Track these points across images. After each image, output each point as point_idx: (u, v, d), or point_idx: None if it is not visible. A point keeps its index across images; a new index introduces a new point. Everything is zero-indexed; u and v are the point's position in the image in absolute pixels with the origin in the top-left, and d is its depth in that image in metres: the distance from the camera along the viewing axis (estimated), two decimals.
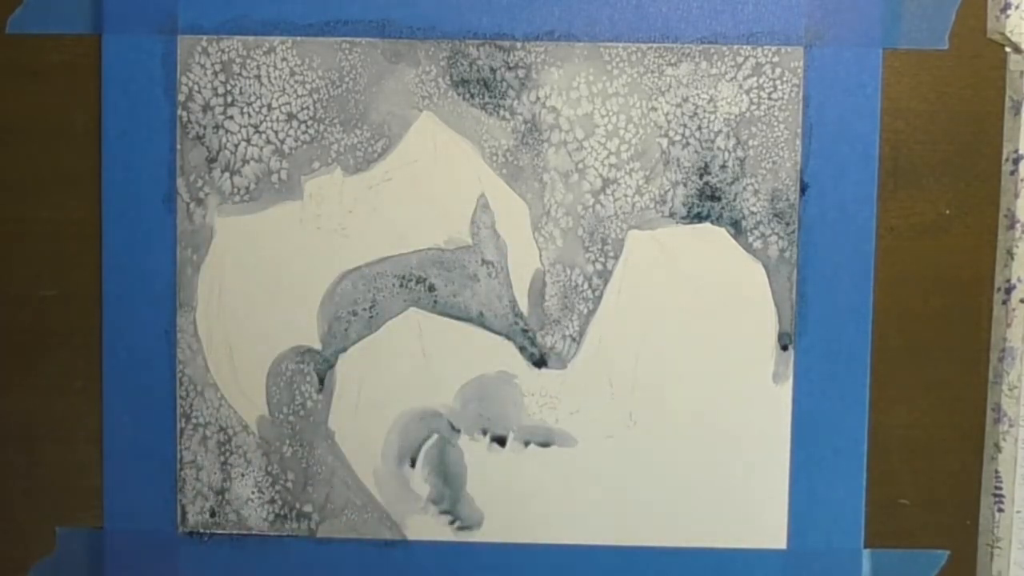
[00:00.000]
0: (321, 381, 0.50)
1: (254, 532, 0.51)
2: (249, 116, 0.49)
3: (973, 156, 0.49)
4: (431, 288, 0.50)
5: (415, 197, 0.49)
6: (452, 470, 0.50)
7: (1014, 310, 0.49)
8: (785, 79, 0.48)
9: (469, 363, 0.50)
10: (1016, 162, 0.48)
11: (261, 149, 0.49)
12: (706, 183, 0.49)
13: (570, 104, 0.49)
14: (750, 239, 0.49)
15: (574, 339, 0.50)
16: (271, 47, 0.49)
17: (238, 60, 0.49)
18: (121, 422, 0.50)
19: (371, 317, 0.50)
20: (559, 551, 0.50)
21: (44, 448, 0.51)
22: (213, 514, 0.51)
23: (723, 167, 0.49)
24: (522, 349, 0.50)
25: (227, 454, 0.50)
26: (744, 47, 0.48)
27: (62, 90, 0.49)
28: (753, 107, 0.49)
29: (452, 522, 0.50)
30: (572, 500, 0.50)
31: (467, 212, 0.49)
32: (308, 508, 0.51)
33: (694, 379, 0.50)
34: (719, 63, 0.49)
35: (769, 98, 0.49)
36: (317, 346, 0.50)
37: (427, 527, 0.50)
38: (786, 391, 0.49)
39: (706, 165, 0.49)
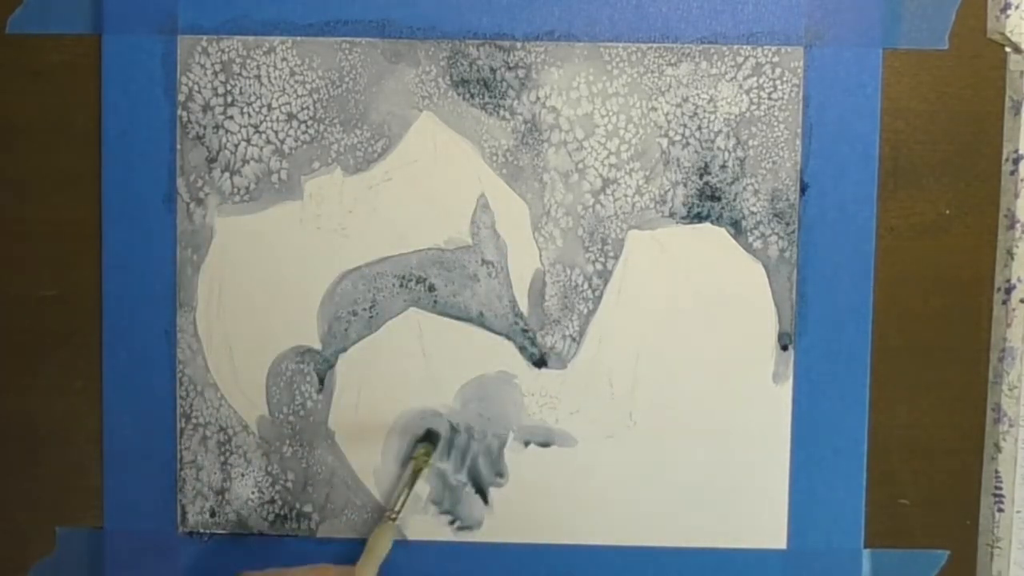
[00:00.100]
0: (321, 381, 0.50)
1: (254, 532, 0.51)
2: (249, 116, 0.49)
3: (973, 156, 0.49)
4: (431, 288, 0.50)
5: (415, 197, 0.49)
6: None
7: (1014, 310, 0.49)
8: (785, 79, 0.48)
9: (469, 363, 0.50)
10: (1016, 162, 0.48)
11: (261, 149, 0.49)
12: (706, 183, 0.49)
13: (570, 104, 0.49)
14: (750, 239, 0.49)
15: (574, 339, 0.50)
16: (271, 47, 0.49)
17: (238, 60, 0.49)
18: (121, 422, 0.50)
19: (371, 317, 0.50)
20: (559, 551, 0.50)
21: (44, 448, 0.51)
22: (213, 514, 0.51)
23: (723, 167, 0.49)
24: (522, 349, 0.50)
25: (227, 454, 0.50)
26: (744, 47, 0.48)
27: (62, 90, 0.49)
28: (753, 107, 0.49)
29: (452, 522, 0.50)
30: (572, 500, 0.50)
31: (467, 212, 0.49)
32: (308, 508, 0.51)
33: (694, 379, 0.50)
34: (719, 63, 0.49)
35: (769, 98, 0.49)
36: (317, 346, 0.50)
37: (427, 527, 0.50)
38: (786, 391, 0.49)
39: (706, 165, 0.49)
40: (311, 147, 0.49)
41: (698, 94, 0.49)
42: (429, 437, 0.50)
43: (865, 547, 0.50)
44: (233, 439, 0.50)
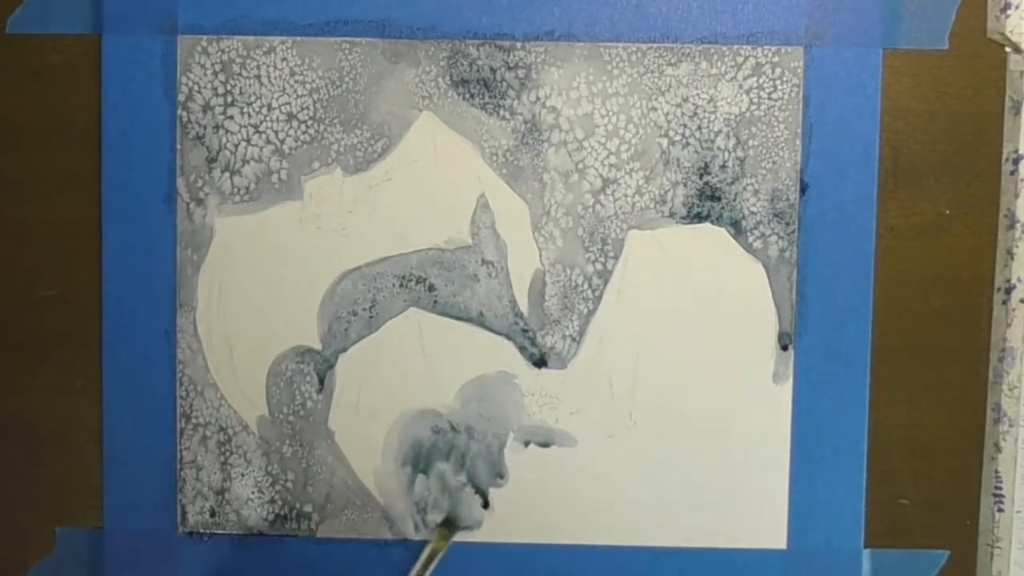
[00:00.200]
0: (321, 381, 0.50)
1: (254, 532, 0.51)
2: (249, 116, 0.49)
3: (973, 156, 0.49)
4: (431, 288, 0.50)
5: (415, 197, 0.49)
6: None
7: (1014, 310, 0.49)
8: (785, 79, 0.48)
9: (469, 363, 0.50)
10: (1016, 162, 0.48)
11: (261, 149, 0.49)
12: (706, 183, 0.49)
13: (570, 104, 0.49)
14: (750, 239, 0.49)
15: (574, 339, 0.50)
16: (271, 47, 0.49)
17: (238, 60, 0.49)
18: (121, 422, 0.50)
19: (371, 317, 0.50)
20: (559, 551, 0.50)
21: (44, 448, 0.51)
22: (213, 514, 0.51)
23: (723, 167, 0.49)
24: (522, 349, 0.50)
25: (227, 454, 0.50)
26: (744, 47, 0.48)
27: (62, 90, 0.49)
28: (753, 107, 0.49)
29: (452, 523, 0.50)
30: (572, 500, 0.50)
31: (467, 212, 0.49)
32: (308, 508, 0.51)
33: (694, 379, 0.50)
34: (719, 63, 0.49)
35: (769, 98, 0.49)
36: (317, 346, 0.50)
37: (427, 527, 0.50)
38: (786, 391, 0.49)
39: (706, 165, 0.49)
40: (311, 147, 0.49)
41: (698, 94, 0.49)
42: (448, 523, 0.50)
43: (865, 547, 0.50)
44: (233, 439, 0.50)
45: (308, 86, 0.49)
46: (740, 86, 0.49)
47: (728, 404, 0.50)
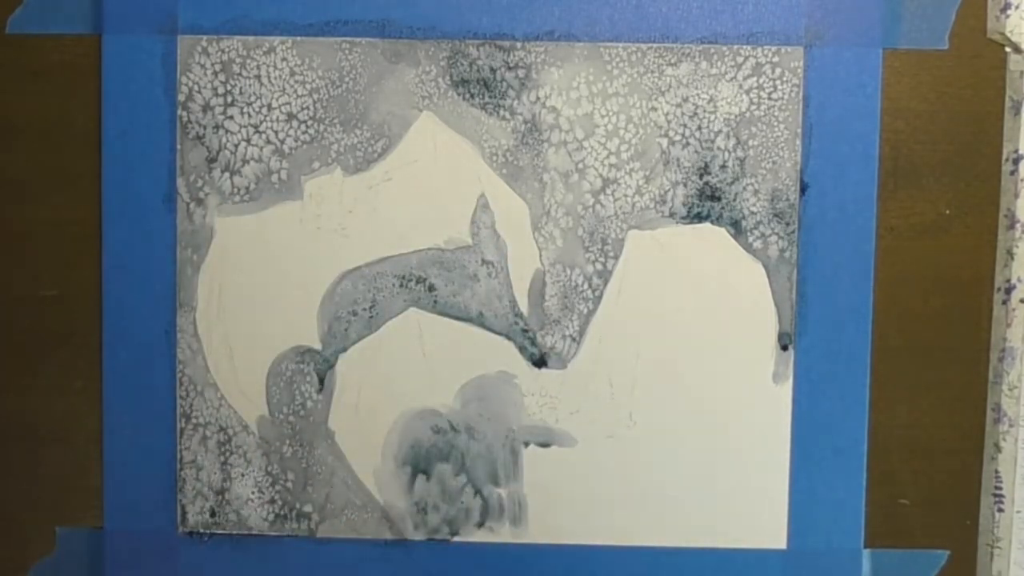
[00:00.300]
0: (321, 381, 0.50)
1: (254, 532, 0.51)
2: (249, 116, 0.49)
3: (973, 156, 0.49)
4: (431, 288, 0.50)
5: (415, 197, 0.49)
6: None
7: (1014, 310, 0.49)
8: (785, 79, 0.48)
9: (469, 363, 0.50)
10: (1016, 162, 0.48)
11: (261, 149, 0.49)
12: (706, 183, 0.49)
13: (570, 104, 0.49)
14: (750, 239, 0.49)
15: (574, 339, 0.50)
16: (271, 47, 0.49)
17: (238, 60, 0.49)
18: (121, 422, 0.50)
19: (371, 317, 0.50)
20: (559, 551, 0.50)
21: (44, 448, 0.51)
22: (213, 514, 0.51)
23: (723, 167, 0.49)
24: (522, 349, 0.50)
25: (227, 454, 0.50)
26: (744, 47, 0.48)
27: (62, 90, 0.49)
28: (753, 107, 0.49)
29: (451, 523, 0.50)
30: (572, 500, 0.50)
31: (467, 212, 0.49)
32: (308, 508, 0.51)
33: (694, 379, 0.50)
34: (719, 63, 0.49)
35: (769, 98, 0.49)
36: (317, 346, 0.50)
37: (427, 527, 0.50)
38: (786, 391, 0.49)
39: (706, 165, 0.49)
40: (311, 147, 0.49)
41: (698, 94, 0.49)
42: None
43: (865, 547, 0.50)
44: (233, 439, 0.50)
45: (308, 86, 0.49)
46: (740, 86, 0.49)
47: (728, 404, 0.50)
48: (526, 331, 0.50)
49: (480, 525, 0.50)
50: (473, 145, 0.49)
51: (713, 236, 0.49)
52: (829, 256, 0.49)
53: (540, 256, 0.50)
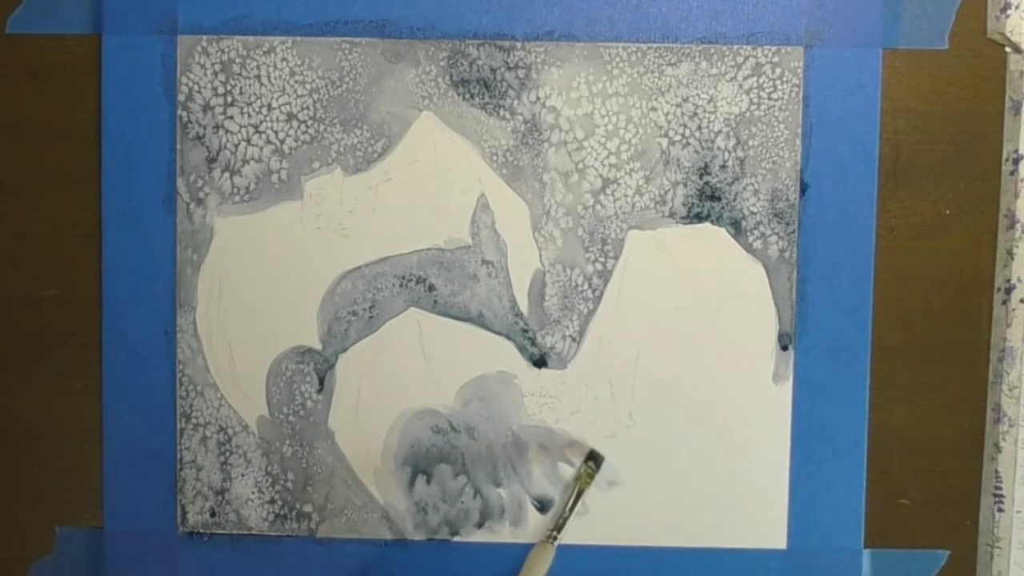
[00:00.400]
0: (321, 381, 0.50)
1: (254, 532, 0.51)
2: (249, 116, 0.49)
3: (973, 156, 0.49)
4: (431, 288, 0.50)
5: (415, 197, 0.49)
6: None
7: (1014, 310, 0.49)
8: (785, 79, 0.48)
9: (469, 363, 0.50)
10: (1016, 162, 0.48)
11: (261, 149, 0.49)
12: (706, 183, 0.49)
13: (570, 104, 0.49)
14: (750, 239, 0.49)
15: (574, 339, 0.50)
16: (271, 47, 0.49)
17: (238, 60, 0.49)
18: (121, 422, 0.50)
19: (371, 317, 0.50)
20: (559, 551, 0.50)
21: (44, 448, 0.51)
22: (213, 514, 0.51)
23: (723, 167, 0.49)
24: (522, 349, 0.50)
25: (227, 454, 0.50)
26: (744, 47, 0.48)
27: (62, 90, 0.49)
28: (753, 107, 0.49)
29: (451, 523, 0.50)
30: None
31: (467, 212, 0.49)
32: (308, 508, 0.51)
33: (694, 379, 0.50)
34: (719, 63, 0.49)
35: (769, 98, 0.49)
36: (317, 346, 0.50)
37: (427, 527, 0.50)
38: (786, 391, 0.49)
39: (706, 165, 0.49)
40: (311, 147, 0.49)
41: (698, 94, 0.49)
42: (592, 457, 0.49)
43: (865, 547, 0.50)
44: (233, 439, 0.50)
45: (308, 86, 0.49)
46: (740, 86, 0.49)
47: (728, 404, 0.50)
48: (526, 331, 0.50)
49: (480, 525, 0.50)
50: (473, 145, 0.49)
51: (713, 236, 0.49)
52: (829, 256, 0.49)
53: (540, 256, 0.50)
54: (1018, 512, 0.49)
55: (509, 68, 0.49)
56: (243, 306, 0.50)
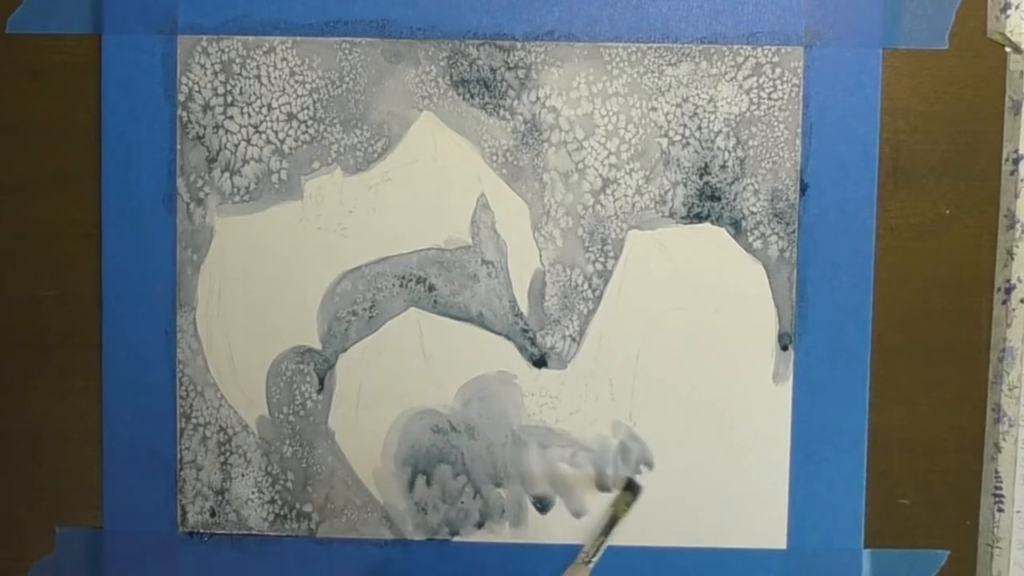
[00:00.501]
0: (321, 381, 0.50)
1: (254, 532, 0.51)
2: (249, 116, 0.49)
3: (973, 156, 0.49)
4: (431, 288, 0.50)
5: (415, 197, 0.49)
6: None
7: (1014, 310, 0.49)
8: (785, 79, 0.48)
9: (469, 363, 0.50)
10: (1016, 162, 0.48)
11: (261, 149, 0.49)
12: (706, 183, 0.49)
13: (570, 104, 0.49)
14: (750, 239, 0.49)
15: (574, 339, 0.50)
16: (271, 47, 0.49)
17: (238, 60, 0.49)
18: (121, 422, 0.50)
19: (371, 317, 0.50)
20: (559, 551, 0.50)
21: (44, 448, 0.51)
22: (213, 514, 0.51)
23: (723, 167, 0.49)
24: (522, 349, 0.50)
25: (227, 454, 0.50)
26: (744, 47, 0.48)
27: (62, 90, 0.49)
28: (753, 107, 0.49)
29: (451, 523, 0.50)
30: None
31: (467, 212, 0.49)
32: (308, 508, 0.51)
33: (694, 379, 0.50)
34: (719, 63, 0.49)
35: (769, 98, 0.49)
36: (317, 346, 0.50)
37: (427, 527, 0.50)
38: (786, 391, 0.49)
39: (706, 165, 0.49)
40: (311, 147, 0.49)
41: (698, 94, 0.49)
42: (631, 487, 0.49)
43: (865, 547, 0.50)
44: (233, 439, 0.50)
45: (308, 86, 0.49)
46: (740, 86, 0.49)
47: (728, 404, 0.50)
48: (526, 331, 0.50)
49: (480, 525, 0.50)
50: (473, 145, 0.49)
51: (713, 236, 0.49)
52: (829, 256, 0.49)
53: (540, 256, 0.50)
54: (1018, 512, 0.49)
55: (509, 68, 0.49)
56: (243, 306, 0.50)
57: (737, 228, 0.49)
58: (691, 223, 0.49)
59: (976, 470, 0.50)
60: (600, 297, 0.50)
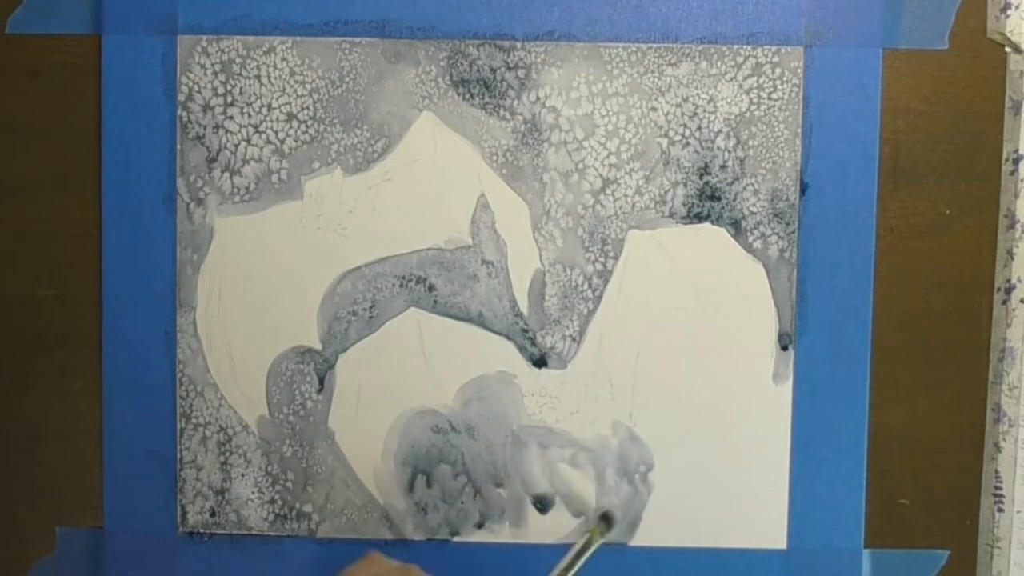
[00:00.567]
0: (321, 381, 0.50)
1: (254, 532, 0.51)
2: (249, 116, 0.49)
3: (973, 156, 0.49)
4: (431, 288, 0.50)
5: (415, 197, 0.49)
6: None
7: (1014, 310, 0.49)
8: (785, 79, 0.48)
9: (469, 363, 0.50)
10: (1016, 162, 0.48)
11: (261, 149, 0.49)
12: (706, 183, 0.49)
13: (570, 104, 0.49)
14: (750, 239, 0.49)
15: (574, 339, 0.50)
16: (271, 47, 0.49)
17: (238, 60, 0.49)
18: (121, 422, 0.50)
19: (371, 317, 0.50)
20: (559, 551, 0.50)
21: (44, 448, 0.51)
22: (213, 514, 0.51)
23: (723, 167, 0.49)
24: (522, 349, 0.50)
25: (227, 454, 0.50)
26: (744, 47, 0.48)
27: (62, 90, 0.49)
28: (753, 107, 0.49)
29: (451, 523, 0.50)
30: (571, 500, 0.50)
31: (467, 212, 0.49)
32: (308, 508, 0.51)
33: (694, 379, 0.50)
34: (719, 63, 0.49)
35: (769, 98, 0.49)
36: (317, 346, 0.50)
37: (427, 527, 0.50)
38: (786, 391, 0.49)
39: (706, 165, 0.49)
40: (311, 147, 0.49)
41: (698, 94, 0.49)
42: (606, 518, 0.49)
43: (865, 547, 0.50)
44: (233, 439, 0.50)
45: (308, 86, 0.49)
46: (740, 86, 0.49)
47: (728, 404, 0.50)
48: (526, 331, 0.50)
49: (480, 525, 0.50)
50: (473, 145, 0.49)
51: (713, 236, 0.49)
52: (829, 256, 0.49)
53: (540, 256, 0.50)
54: (1018, 512, 0.49)
55: (509, 68, 0.49)
56: (243, 306, 0.50)
57: (737, 228, 0.49)
58: (691, 223, 0.49)
59: (976, 470, 0.50)
60: (600, 297, 0.50)
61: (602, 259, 0.49)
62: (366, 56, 0.49)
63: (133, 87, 0.49)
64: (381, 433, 0.50)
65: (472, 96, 0.49)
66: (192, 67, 0.49)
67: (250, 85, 0.49)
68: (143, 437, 0.50)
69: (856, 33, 0.48)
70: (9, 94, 0.50)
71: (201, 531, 0.51)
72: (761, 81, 0.49)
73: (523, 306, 0.50)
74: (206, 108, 0.49)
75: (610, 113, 0.49)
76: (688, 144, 0.49)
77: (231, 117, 0.49)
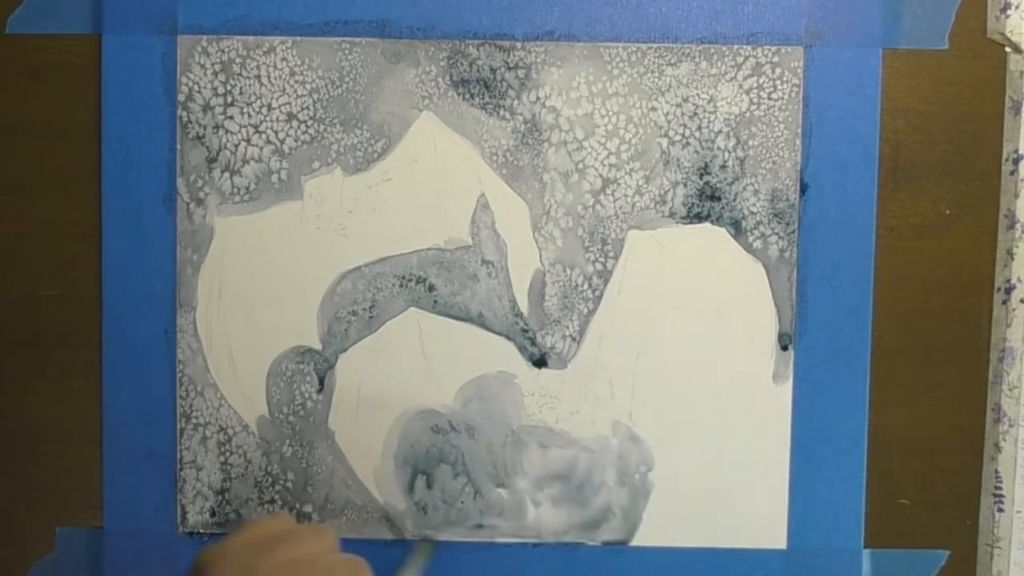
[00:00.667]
0: (321, 381, 0.50)
1: None
2: (249, 116, 0.49)
3: (973, 156, 0.49)
4: (431, 288, 0.50)
5: (415, 197, 0.49)
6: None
7: (1014, 310, 0.49)
8: (785, 79, 0.48)
9: (469, 363, 0.50)
10: (1016, 162, 0.48)
11: (261, 149, 0.49)
12: (706, 183, 0.49)
13: (570, 104, 0.49)
14: (750, 239, 0.49)
15: (574, 339, 0.50)
16: (271, 47, 0.49)
17: (238, 60, 0.49)
18: (121, 422, 0.50)
19: (371, 317, 0.50)
20: (558, 551, 0.50)
21: (44, 448, 0.51)
22: (213, 514, 0.51)
23: (723, 167, 0.49)
24: (522, 349, 0.50)
25: (227, 454, 0.50)
26: (744, 47, 0.48)
27: (62, 90, 0.49)
28: (753, 107, 0.49)
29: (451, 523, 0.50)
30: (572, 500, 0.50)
31: (467, 212, 0.49)
32: (308, 508, 0.51)
33: (694, 379, 0.50)
34: (719, 63, 0.49)
35: (769, 98, 0.49)
36: (317, 346, 0.50)
37: (427, 527, 0.50)
38: (786, 391, 0.49)
39: (706, 165, 0.49)
40: (311, 147, 0.49)
41: (698, 94, 0.49)
42: (427, 539, 0.50)
43: (865, 547, 0.50)
44: (233, 439, 0.50)
45: (308, 86, 0.49)
46: (740, 86, 0.49)
47: (728, 404, 0.50)
48: (526, 331, 0.50)
49: (480, 525, 0.50)
50: (473, 145, 0.49)
51: (713, 236, 0.49)
52: (829, 256, 0.49)
53: (540, 256, 0.50)
54: (1018, 512, 0.49)
55: (509, 68, 0.49)
56: (243, 306, 0.50)
57: (737, 228, 0.49)
58: (691, 223, 0.49)
59: (976, 470, 0.50)
60: (600, 297, 0.50)
61: (602, 259, 0.49)
62: (366, 56, 0.49)
63: (133, 87, 0.49)
64: (381, 433, 0.50)
65: (472, 96, 0.49)
66: (192, 67, 0.49)
67: (250, 85, 0.49)
68: (143, 437, 0.50)
69: (856, 33, 0.48)
70: (9, 94, 0.50)
71: (201, 531, 0.51)
72: (761, 81, 0.49)
73: (523, 306, 0.50)
74: (206, 108, 0.49)
75: (610, 113, 0.49)
76: (688, 144, 0.49)
77: (231, 117, 0.49)
